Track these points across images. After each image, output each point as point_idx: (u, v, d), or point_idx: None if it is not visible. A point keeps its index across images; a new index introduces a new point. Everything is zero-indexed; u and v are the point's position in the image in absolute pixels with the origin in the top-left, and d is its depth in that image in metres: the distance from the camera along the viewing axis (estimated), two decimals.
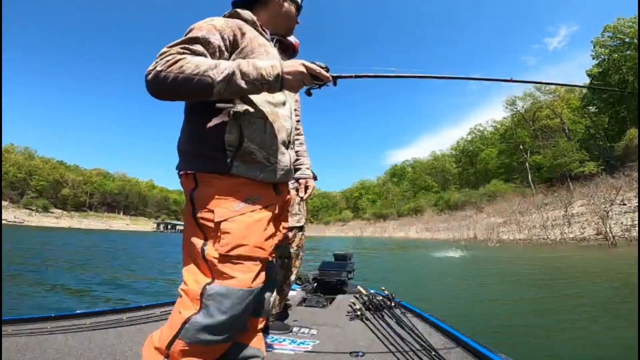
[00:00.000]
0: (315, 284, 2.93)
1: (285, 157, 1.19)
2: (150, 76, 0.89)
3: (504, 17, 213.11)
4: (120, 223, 76.93)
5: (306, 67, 0.98)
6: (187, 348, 0.97)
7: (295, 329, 1.81)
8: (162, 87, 0.90)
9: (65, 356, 1.29)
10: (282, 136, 1.16)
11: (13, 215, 51.71)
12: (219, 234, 1.00)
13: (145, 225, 79.39)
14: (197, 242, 1.01)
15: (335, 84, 1.06)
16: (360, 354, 1.41)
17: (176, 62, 0.89)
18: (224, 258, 1.00)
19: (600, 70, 34.09)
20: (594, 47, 34.66)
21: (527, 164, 41.86)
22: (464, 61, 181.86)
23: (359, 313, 2.03)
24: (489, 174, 50.35)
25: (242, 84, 0.93)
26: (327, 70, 1.02)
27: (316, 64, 1.00)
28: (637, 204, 14.70)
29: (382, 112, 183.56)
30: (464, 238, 21.86)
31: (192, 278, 1.00)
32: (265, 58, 1.09)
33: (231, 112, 1.04)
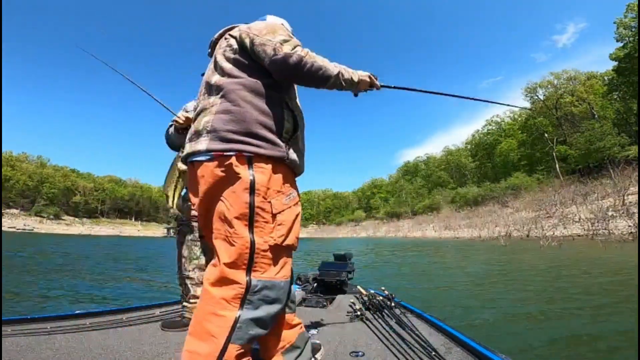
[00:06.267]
0: (315, 284, 2.88)
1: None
2: (294, 58, 1.04)
3: (512, 14, 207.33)
4: (131, 229, 76.74)
5: (369, 77, 1.27)
6: (241, 350, 0.93)
7: None
8: (301, 69, 1.06)
9: (65, 356, 1.26)
10: (304, 133, 1.27)
11: (23, 223, 51.79)
12: (274, 225, 1.00)
13: (157, 230, 78.71)
14: (244, 233, 0.96)
15: (378, 89, 1.35)
16: (360, 354, 1.38)
17: (307, 54, 1.08)
18: (276, 249, 1.00)
19: (627, 52, 31.46)
20: (617, 28, 32.28)
21: (553, 154, 38.89)
22: (473, 60, 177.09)
23: (359, 313, 1.98)
24: (509, 167, 47.44)
25: (342, 82, 1.16)
26: (377, 79, 1.31)
27: (373, 75, 1.29)
28: (638, 204, 13.74)
29: (393, 113, 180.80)
30: (495, 236, 19.37)
31: (231, 276, 0.95)
32: None
33: (287, 102, 1.14)
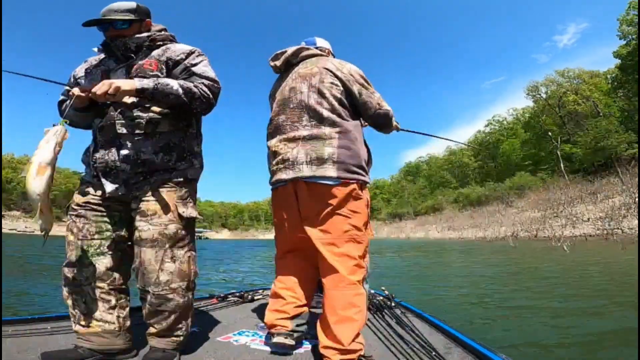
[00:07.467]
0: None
1: None
2: (391, 114, 1.51)
3: (513, 15, 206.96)
4: None
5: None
6: None
7: None
8: (390, 122, 1.54)
9: None
10: None
11: (24, 225, 51.65)
12: (368, 225, 1.41)
13: None
14: (365, 234, 1.35)
15: (397, 130, 1.85)
16: None
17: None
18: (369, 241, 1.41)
19: (629, 50, 31.22)
20: (620, 25, 32.05)
21: (558, 153, 38.39)
22: (475, 61, 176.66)
23: None
24: (511, 166, 47.01)
25: (392, 128, 1.65)
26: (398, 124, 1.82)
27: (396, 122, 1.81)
28: (638, 204, 13.79)
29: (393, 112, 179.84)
30: (501, 236, 19.02)
31: (361, 264, 1.31)
32: None
33: (365, 140, 1.49)
